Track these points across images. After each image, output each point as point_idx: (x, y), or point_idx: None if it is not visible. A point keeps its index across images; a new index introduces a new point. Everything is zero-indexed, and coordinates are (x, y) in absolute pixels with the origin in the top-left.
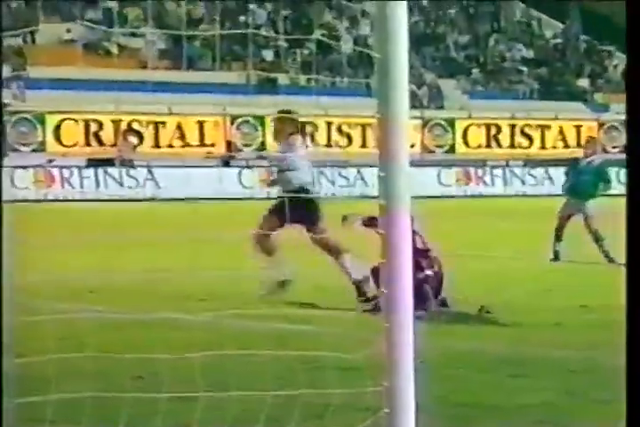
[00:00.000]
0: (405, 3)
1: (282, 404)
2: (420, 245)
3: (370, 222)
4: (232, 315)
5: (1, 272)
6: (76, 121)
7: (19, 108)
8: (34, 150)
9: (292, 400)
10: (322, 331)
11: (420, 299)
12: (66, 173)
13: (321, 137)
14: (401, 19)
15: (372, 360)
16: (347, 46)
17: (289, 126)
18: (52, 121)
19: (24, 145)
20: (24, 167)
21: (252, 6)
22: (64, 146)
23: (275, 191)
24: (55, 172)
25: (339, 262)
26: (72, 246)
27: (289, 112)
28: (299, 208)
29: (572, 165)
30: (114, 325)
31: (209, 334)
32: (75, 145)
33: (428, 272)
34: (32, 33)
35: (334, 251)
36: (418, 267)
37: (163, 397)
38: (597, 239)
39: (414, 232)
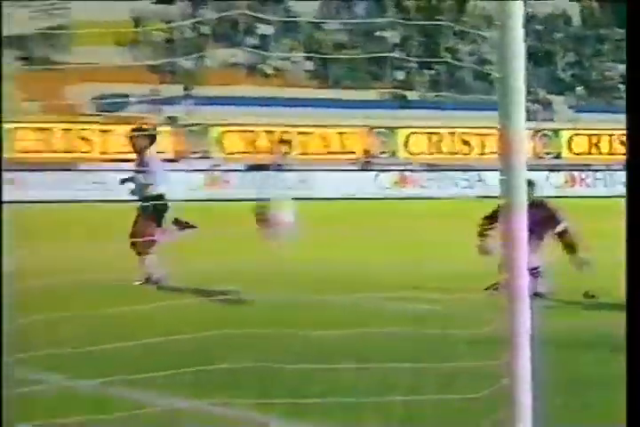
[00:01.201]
0: (522, 29)
1: (417, 374)
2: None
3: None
4: (377, 298)
5: None
6: (237, 132)
7: (189, 122)
8: (201, 157)
9: (426, 372)
10: (450, 311)
11: None
12: (229, 176)
13: (446, 145)
14: (518, 42)
15: (495, 336)
16: (469, 67)
17: (142, 141)
18: (216, 132)
19: (193, 153)
20: (193, 171)
21: (387, 33)
22: (226, 153)
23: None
24: (219, 175)
25: (140, 260)
26: (237, 238)
27: (142, 129)
28: (156, 213)
29: None
30: (269, 305)
31: (356, 315)
32: (235, 153)
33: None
34: (202, 58)
35: (142, 250)
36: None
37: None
38: None
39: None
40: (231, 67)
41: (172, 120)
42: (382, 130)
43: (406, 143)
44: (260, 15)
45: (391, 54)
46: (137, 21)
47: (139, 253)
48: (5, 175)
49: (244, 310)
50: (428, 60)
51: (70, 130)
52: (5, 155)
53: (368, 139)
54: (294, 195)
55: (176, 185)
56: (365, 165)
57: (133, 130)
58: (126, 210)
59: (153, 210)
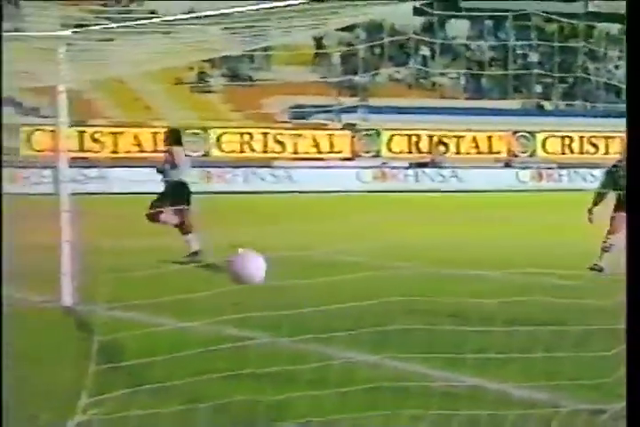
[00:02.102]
0: None
1: (556, 337)
2: None
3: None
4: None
5: None
6: (402, 135)
7: (364, 127)
8: (373, 156)
9: (563, 334)
10: (580, 284)
11: None
12: (395, 172)
13: (576, 147)
14: None
15: (617, 306)
16: (597, 81)
17: (170, 140)
18: (386, 135)
19: (366, 152)
20: (365, 168)
21: (529, 53)
22: (393, 152)
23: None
24: (387, 171)
25: (184, 237)
26: (395, 223)
27: (171, 130)
28: (176, 195)
29: None
30: (430, 278)
31: (500, 287)
32: (401, 152)
33: None
34: (375, 74)
35: (186, 227)
36: None
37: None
38: None
39: None
40: (398, 82)
41: (349, 126)
42: (523, 134)
43: (543, 145)
44: (424, 38)
45: (531, 71)
46: (320, 44)
47: (183, 233)
48: (213, 171)
49: (410, 280)
50: (563, 75)
51: (267, 134)
52: (210, 156)
53: (511, 141)
54: (447, 187)
55: (350, 179)
56: (508, 163)
57: (168, 130)
58: (304, 200)
59: (173, 193)
